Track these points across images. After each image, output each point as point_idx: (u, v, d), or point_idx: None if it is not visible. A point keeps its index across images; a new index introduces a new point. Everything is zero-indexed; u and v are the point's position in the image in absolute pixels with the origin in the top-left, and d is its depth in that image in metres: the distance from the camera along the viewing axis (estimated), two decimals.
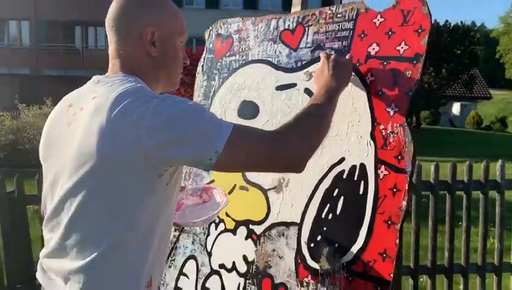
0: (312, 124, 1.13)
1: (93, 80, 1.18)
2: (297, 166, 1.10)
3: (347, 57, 1.36)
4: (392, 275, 1.22)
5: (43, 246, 1.16)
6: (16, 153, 10.24)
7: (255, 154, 1.05)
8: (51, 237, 1.12)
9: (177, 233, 1.82)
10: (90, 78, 1.20)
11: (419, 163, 3.40)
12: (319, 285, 1.36)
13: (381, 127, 1.30)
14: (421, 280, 3.56)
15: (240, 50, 1.76)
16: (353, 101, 1.37)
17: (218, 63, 1.84)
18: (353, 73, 1.38)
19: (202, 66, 1.91)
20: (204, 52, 1.90)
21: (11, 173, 3.10)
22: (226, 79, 1.79)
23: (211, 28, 1.91)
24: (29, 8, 20.56)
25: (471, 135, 21.05)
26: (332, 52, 1.43)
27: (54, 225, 1.10)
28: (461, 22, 16.59)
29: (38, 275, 1.16)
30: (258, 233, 1.55)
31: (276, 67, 1.61)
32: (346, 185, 1.35)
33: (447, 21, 15.81)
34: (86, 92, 1.16)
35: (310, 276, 1.39)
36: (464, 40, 16.04)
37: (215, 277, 1.66)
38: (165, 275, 1.84)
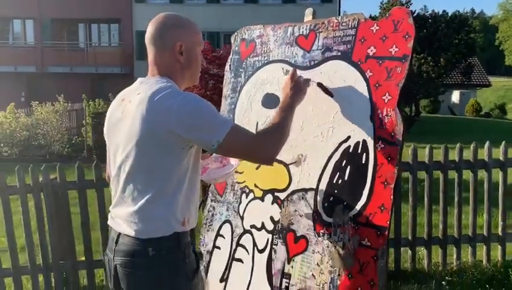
0: (277, 134, 1.58)
1: (139, 81, 1.64)
2: (268, 161, 1.62)
3: (304, 78, 1.82)
4: (388, 222, 1.62)
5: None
6: (30, 149, 10.67)
7: (242, 148, 1.52)
8: (115, 193, 1.61)
9: (208, 199, 2.23)
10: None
11: (415, 147, 3.80)
12: (332, 235, 1.76)
13: (378, 111, 1.69)
14: (419, 251, 3.96)
15: (262, 52, 2.15)
16: (357, 93, 1.76)
17: (244, 63, 2.23)
18: (356, 69, 1.77)
19: (230, 65, 2.30)
20: (231, 54, 2.29)
21: (26, 166, 3.49)
22: (251, 76, 2.18)
23: (236, 33, 2.30)
24: (33, 7, 20.89)
25: (470, 122, 21.40)
26: (299, 73, 1.86)
27: (116, 184, 1.60)
28: (458, 12, 16.91)
29: (109, 222, 1.65)
30: (282, 198, 1.95)
31: (293, 66, 2.00)
32: (352, 157, 1.75)
33: (444, 11, 16.12)
34: (133, 90, 1.61)
35: (324, 228, 1.79)
36: (462, 29, 16.35)
37: (247, 236, 2.07)
38: (204, 238, 2.25)
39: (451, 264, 3.88)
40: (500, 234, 3.92)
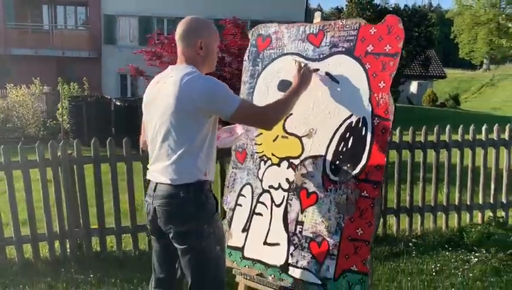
0: (280, 108, 2.16)
1: (170, 68, 2.19)
2: (269, 127, 2.17)
3: (310, 68, 2.35)
4: (382, 177, 2.16)
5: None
6: (5, 131, 10.68)
7: (249, 118, 2.11)
8: (152, 153, 2.17)
9: (230, 169, 2.72)
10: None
11: None
12: (338, 189, 2.29)
13: (375, 94, 2.22)
14: (389, 219, 4.59)
15: (277, 46, 2.63)
16: (358, 80, 2.28)
17: (261, 54, 2.70)
18: (357, 62, 2.29)
19: (248, 56, 2.77)
20: (249, 46, 2.76)
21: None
22: (268, 65, 2.66)
23: (254, 29, 2.77)
24: None
25: (427, 111, 22.66)
26: (305, 62, 2.39)
27: (153, 146, 2.15)
28: (418, 6, 17.90)
29: (148, 176, 2.20)
30: (296, 164, 2.46)
31: (305, 58, 2.49)
32: (354, 130, 2.27)
33: (406, 5, 17.08)
34: (166, 74, 2.16)
35: (332, 185, 2.32)
36: (422, 23, 17.33)
37: (266, 194, 2.57)
38: (227, 197, 2.73)
39: (416, 230, 4.54)
40: (456, 204, 4.61)
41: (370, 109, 2.23)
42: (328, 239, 2.30)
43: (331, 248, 2.28)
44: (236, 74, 7.86)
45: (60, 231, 3.92)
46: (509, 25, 12.29)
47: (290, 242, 2.43)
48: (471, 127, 4.61)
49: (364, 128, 2.24)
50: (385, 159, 2.17)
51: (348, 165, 2.28)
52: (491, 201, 4.68)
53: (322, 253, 2.31)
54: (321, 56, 2.44)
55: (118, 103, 10.37)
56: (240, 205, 2.67)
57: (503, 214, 4.71)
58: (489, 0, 45.43)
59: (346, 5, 16.47)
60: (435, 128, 4.48)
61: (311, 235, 2.36)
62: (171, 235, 2.10)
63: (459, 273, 3.68)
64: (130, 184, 3.96)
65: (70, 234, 3.93)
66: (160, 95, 2.08)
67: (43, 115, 11.41)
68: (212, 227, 2.10)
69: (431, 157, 4.53)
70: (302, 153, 2.45)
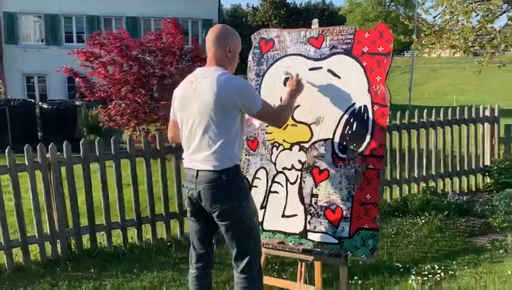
0: (288, 110, 2.68)
1: (201, 69, 2.54)
2: (280, 126, 2.66)
3: (301, 81, 2.85)
4: (383, 153, 2.72)
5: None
6: None
7: (269, 116, 2.54)
8: (190, 144, 2.50)
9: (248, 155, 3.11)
10: None
11: None
12: (346, 165, 2.81)
13: (373, 86, 2.77)
14: None
15: (280, 47, 3.07)
16: (358, 75, 2.81)
17: (265, 55, 3.12)
18: (355, 60, 2.81)
19: (252, 57, 3.17)
20: (253, 48, 3.17)
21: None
22: (272, 64, 3.09)
23: (256, 33, 3.18)
24: None
25: None
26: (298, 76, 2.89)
27: (191, 140, 2.48)
28: (325, 4, 19.30)
29: (187, 165, 2.53)
30: (306, 147, 2.93)
31: (307, 58, 2.97)
32: (358, 116, 2.80)
33: (318, 2, 18.36)
34: (199, 75, 2.51)
35: (341, 162, 2.83)
36: (331, 20, 18.70)
37: (280, 175, 3.01)
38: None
39: None
40: (398, 179, 5.41)
41: (370, 98, 2.78)
42: (341, 206, 2.81)
43: (344, 213, 2.80)
44: (179, 74, 8.12)
45: (51, 232, 3.98)
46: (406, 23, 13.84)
47: (306, 212, 2.91)
48: (407, 112, 5.45)
49: (366, 113, 2.79)
50: (385, 137, 2.73)
51: (354, 144, 2.80)
52: (424, 174, 5.55)
53: (337, 218, 2.82)
54: (322, 56, 2.93)
55: (45, 106, 9.96)
56: (256, 187, 3.08)
57: (433, 184, 5.62)
58: None
59: (261, 4, 17.22)
60: None
61: (325, 204, 2.86)
62: (215, 214, 2.46)
63: (412, 234, 4.44)
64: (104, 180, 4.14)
65: (61, 235, 4.01)
66: (197, 94, 2.43)
67: None
68: (248, 203, 2.51)
69: None
70: (311, 137, 2.93)
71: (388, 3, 51.76)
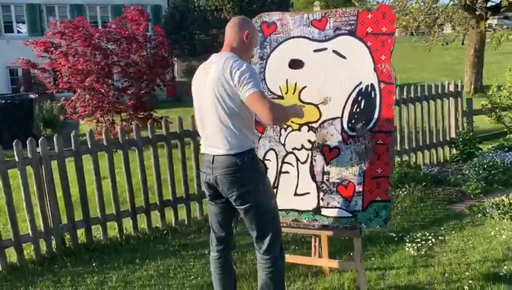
0: (284, 115, 2.54)
1: (214, 55, 2.56)
2: (269, 119, 2.37)
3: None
4: (392, 128, 2.87)
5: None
6: None
7: (257, 107, 2.34)
8: (204, 131, 2.54)
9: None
10: None
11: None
12: (356, 142, 2.94)
13: (378, 65, 2.90)
14: None
15: (283, 30, 3.13)
16: (363, 55, 2.93)
17: (268, 39, 3.17)
18: (360, 41, 2.93)
19: None
20: None
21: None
22: (276, 47, 3.15)
23: (257, 17, 3.21)
24: None
25: None
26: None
27: (204, 124, 2.51)
28: None
29: (203, 150, 2.56)
30: (315, 127, 3.03)
31: (311, 40, 3.05)
32: (365, 94, 2.93)
33: None
34: (210, 61, 2.55)
35: (350, 139, 2.95)
36: (282, 6, 18.82)
37: (290, 155, 3.09)
38: None
39: None
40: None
41: (376, 77, 2.91)
42: (353, 181, 2.95)
43: (356, 187, 2.94)
44: (143, 61, 7.96)
45: (45, 228, 3.86)
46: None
47: (319, 189, 3.02)
48: None
49: (373, 92, 2.92)
50: (393, 113, 2.89)
51: (363, 121, 2.93)
52: (399, 149, 5.84)
53: (350, 193, 2.95)
54: (327, 37, 3.02)
55: (2, 101, 9.38)
56: (267, 168, 3.15)
57: (406, 158, 5.93)
58: None
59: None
60: None
61: (338, 180, 2.98)
62: (233, 198, 2.49)
63: (398, 205, 4.69)
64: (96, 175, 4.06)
65: (55, 230, 3.90)
66: (208, 79, 2.46)
67: None
68: (265, 185, 2.57)
69: None
70: (320, 117, 3.02)
71: None
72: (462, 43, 15.84)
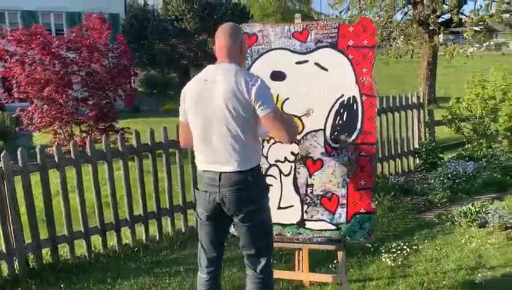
0: (296, 131, 2.65)
1: (213, 66, 2.42)
2: (289, 138, 2.42)
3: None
4: (374, 140, 2.89)
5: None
6: None
7: (279, 122, 2.32)
8: (207, 147, 2.35)
9: None
10: None
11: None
12: (339, 154, 2.93)
13: (360, 78, 2.92)
14: None
15: (264, 42, 3.10)
16: (344, 68, 2.94)
17: (249, 50, 3.12)
18: (341, 54, 2.94)
19: None
20: None
21: None
22: (257, 58, 3.11)
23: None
24: None
25: None
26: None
27: (209, 140, 2.33)
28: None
29: (206, 168, 2.38)
30: (298, 138, 3.00)
31: (293, 52, 3.03)
32: (347, 106, 2.94)
33: None
34: (212, 72, 2.39)
35: (334, 151, 2.95)
36: (243, 16, 18.92)
37: (273, 168, 3.05)
38: None
39: None
40: None
41: (358, 89, 2.93)
42: (337, 193, 2.94)
43: (340, 200, 2.93)
44: (105, 71, 7.72)
45: (7, 249, 3.60)
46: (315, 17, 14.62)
47: (302, 202, 2.99)
48: None
49: (355, 104, 2.93)
50: (375, 126, 2.91)
51: (346, 133, 2.94)
52: None
53: (333, 205, 2.94)
54: (308, 50, 3.02)
55: None
56: None
57: None
58: None
59: None
60: None
61: (321, 193, 2.96)
62: (240, 216, 2.37)
63: None
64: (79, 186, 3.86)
65: (18, 251, 3.64)
66: (216, 92, 2.29)
67: None
68: (268, 202, 2.50)
69: None
70: (303, 129, 3.01)
71: None
72: (412, 57, 16.51)
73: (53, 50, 7.11)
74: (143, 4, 17.45)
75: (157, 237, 4.38)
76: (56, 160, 3.73)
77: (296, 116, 3.01)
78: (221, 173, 2.33)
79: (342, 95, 2.95)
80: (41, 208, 3.87)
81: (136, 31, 16.92)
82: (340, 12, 13.50)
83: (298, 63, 3.03)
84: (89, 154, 3.89)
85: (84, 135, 7.87)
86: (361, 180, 2.92)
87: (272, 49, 3.10)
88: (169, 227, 4.47)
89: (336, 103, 2.96)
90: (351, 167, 2.93)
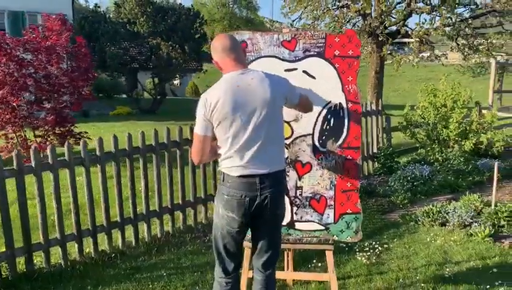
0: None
1: (235, 73, 2.44)
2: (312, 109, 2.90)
3: None
4: (359, 144, 3.07)
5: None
6: None
7: (307, 101, 2.75)
8: (247, 151, 2.38)
9: None
10: None
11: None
12: (327, 157, 3.09)
13: (346, 86, 3.10)
14: None
15: (254, 49, 3.20)
16: (331, 76, 3.10)
17: None
18: (328, 62, 3.11)
19: None
20: None
21: None
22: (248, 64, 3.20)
23: None
24: None
25: (190, 102, 24.57)
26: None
27: (250, 144, 2.37)
28: (192, 5, 19.35)
29: (244, 172, 2.38)
30: (288, 143, 3.12)
31: (282, 60, 3.16)
32: (334, 112, 3.10)
33: (180, 4, 18.31)
34: (240, 78, 2.42)
35: (321, 155, 3.10)
36: (196, 20, 18.86)
37: None
38: None
39: None
40: None
41: (344, 97, 3.10)
42: (325, 195, 3.09)
43: (328, 201, 3.08)
44: (63, 74, 7.48)
45: None
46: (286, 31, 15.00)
47: (292, 204, 3.11)
48: None
49: (341, 110, 3.10)
50: (360, 131, 3.09)
51: (333, 138, 3.10)
52: None
53: (322, 206, 3.09)
54: (297, 58, 3.16)
55: None
56: None
57: None
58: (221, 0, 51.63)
59: (125, 1, 16.51)
60: None
61: (310, 195, 3.10)
62: (276, 217, 2.52)
63: None
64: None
65: None
66: (254, 96, 2.37)
67: None
68: None
69: None
70: (292, 134, 3.13)
71: (232, 5, 54.01)
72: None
73: (8, 51, 6.79)
74: (94, 6, 16.98)
75: (134, 243, 4.33)
76: (33, 165, 3.61)
77: (285, 121, 3.12)
78: (260, 175, 2.36)
79: (329, 102, 3.11)
80: (15, 216, 3.73)
81: (86, 33, 16.40)
82: (293, 21, 13.85)
83: (287, 70, 3.15)
84: (67, 159, 3.80)
85: (40, 139, 7.56)
86: (347, 182, 3.09)
87: (261, 57, 3.20)
88: (145, 233, 4.43)
89: (323, 109, 3.11)
90: (338, 169, 3.09)
